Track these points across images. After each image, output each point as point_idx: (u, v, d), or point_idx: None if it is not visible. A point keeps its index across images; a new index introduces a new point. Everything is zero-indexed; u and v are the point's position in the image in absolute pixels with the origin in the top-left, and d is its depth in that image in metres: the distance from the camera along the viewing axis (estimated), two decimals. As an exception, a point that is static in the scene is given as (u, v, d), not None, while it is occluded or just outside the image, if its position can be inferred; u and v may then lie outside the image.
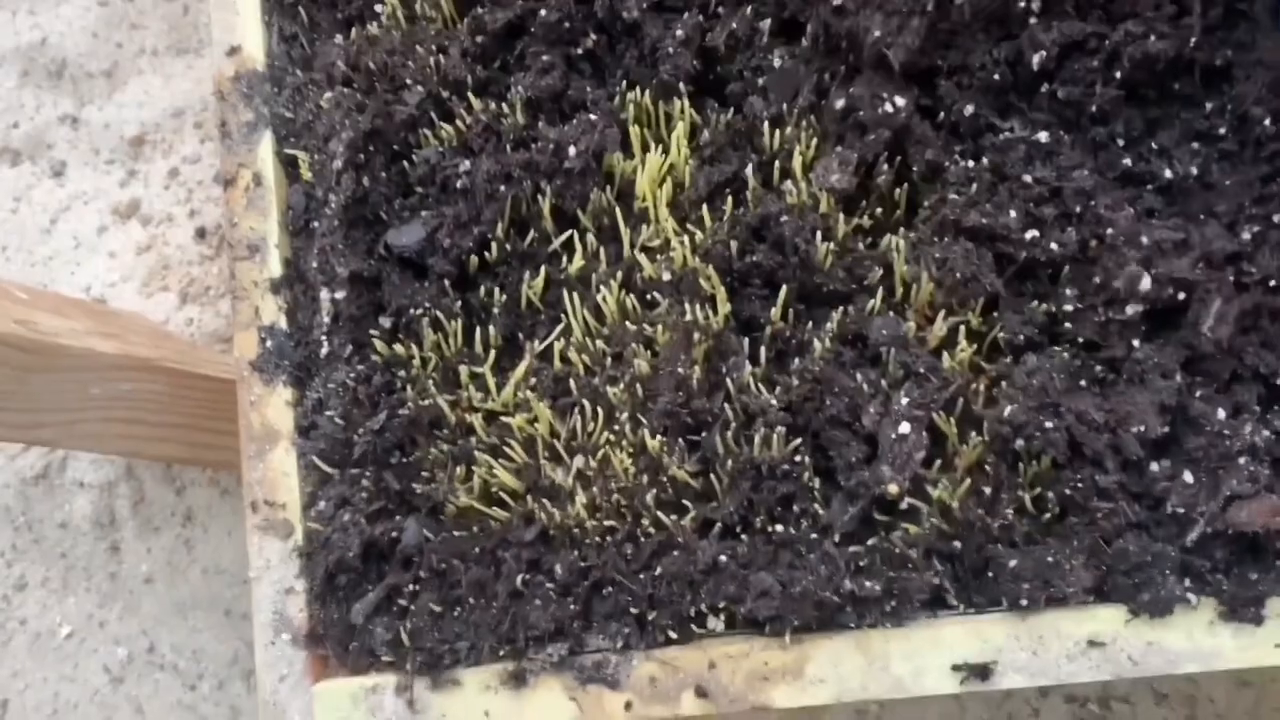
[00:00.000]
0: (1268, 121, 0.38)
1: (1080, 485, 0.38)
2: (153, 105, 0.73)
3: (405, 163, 0.46)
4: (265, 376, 0.47)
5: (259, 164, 0.48)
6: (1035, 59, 0.38)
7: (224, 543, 0.67)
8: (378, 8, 0.47)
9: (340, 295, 0.46)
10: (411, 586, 0.44)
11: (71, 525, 0.70)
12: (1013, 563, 0.39)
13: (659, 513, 0.41)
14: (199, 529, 0.68)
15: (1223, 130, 0.38)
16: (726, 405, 0.42)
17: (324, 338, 0.46)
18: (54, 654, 0.71)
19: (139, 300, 0.69)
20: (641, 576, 0.41)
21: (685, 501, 0.42)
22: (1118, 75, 0.37)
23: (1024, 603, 0.39)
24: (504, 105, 0.44)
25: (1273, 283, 0.37)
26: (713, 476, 0.42)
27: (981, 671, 0.39)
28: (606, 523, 0.42)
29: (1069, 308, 0.39)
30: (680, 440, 0.42)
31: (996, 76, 0.39)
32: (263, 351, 0.47)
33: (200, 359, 0.60)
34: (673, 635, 0.41)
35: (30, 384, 0.51)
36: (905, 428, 0.39)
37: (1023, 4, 0.38)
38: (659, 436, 0.42)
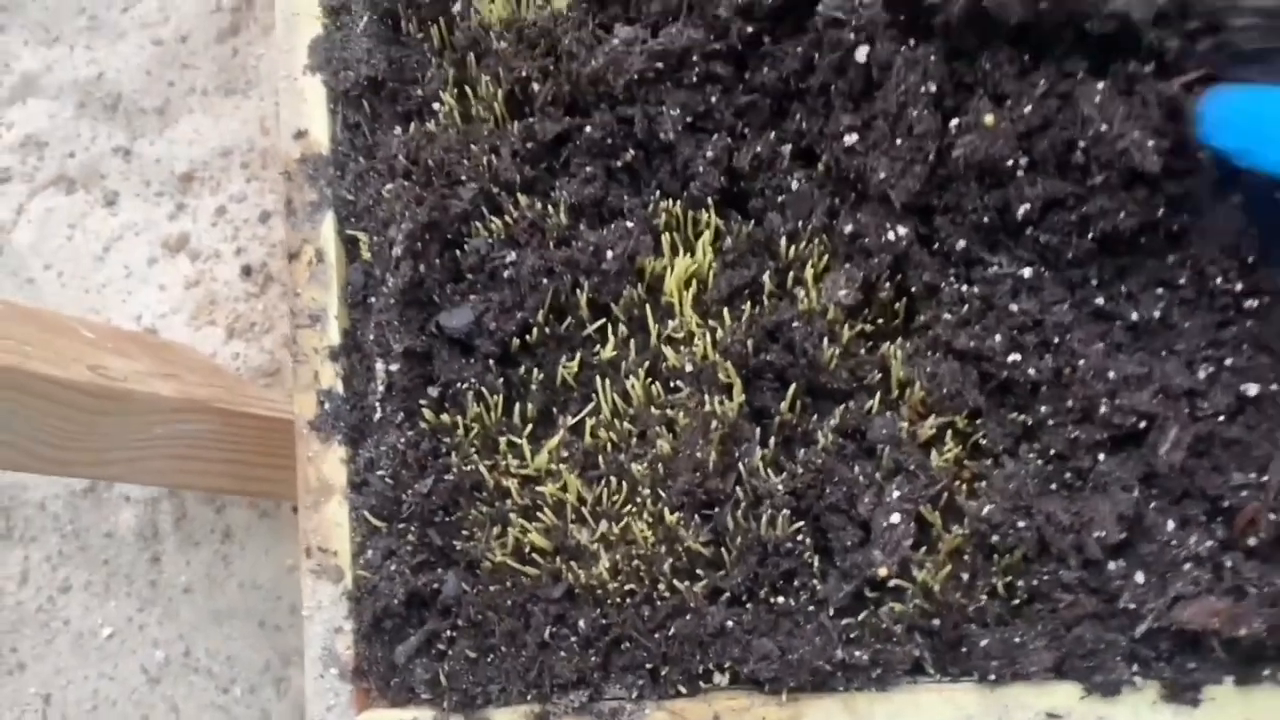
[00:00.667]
0: (1219, 279, 0.43)
1: (1046, 577, 0.44)
2: (202, 143, 0.78)
3: (458, 251, 0.51)
4: (322, 435, 0.52)
5: (322, 241, 0.53)
6: (1021, 209, 0.43)
7: (260, 560, 0.73)
8: (435, 105, 0.52)
9: (394, 367, 0.51)
10: (449, 633, 0.49)
11: (116, 536, 0.75)
12: (984, 641, 0.44)
13: (674, 579, 0.47)
14: (237, 546, 0.73)
15: (1183, 280, 0.43)
16: (738, 486, 0.47)
17: (377, 404, 0.51)
18: (95, 653, 0.76)
19: (188, 333, 0.74)
20: (656, 635, 0.47)
21: (698, 570, 0.47)
22: (1090, 234, 0.43)
23: (992, 676, 0.44)
24: (549, 206, 0.49)
25: (1222, 417, 0.42)
26: (723, 549, 0.47)
27: (953, 734, 0.44)
28: (626, 585, 0.47)
29: (1044, 423, 0.44)
30: (695, 515, 0.47)
31: (986, 219, 0.44)
32: (321, 413, 0.52)
33: (248, 397, 0.65)
34: (682, 689, 0.47)
35: (100, 426, 0.56)
36: (896, 517, 0.45)
37: (1011, 161, 0.43)
38: (676, 511, 0.47)
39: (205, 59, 0.79)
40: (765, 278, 0.48)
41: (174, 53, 0.79)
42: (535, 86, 0.50)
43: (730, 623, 0.46)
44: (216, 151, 0.77)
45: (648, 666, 0.47)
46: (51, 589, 0.77)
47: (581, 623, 0.47)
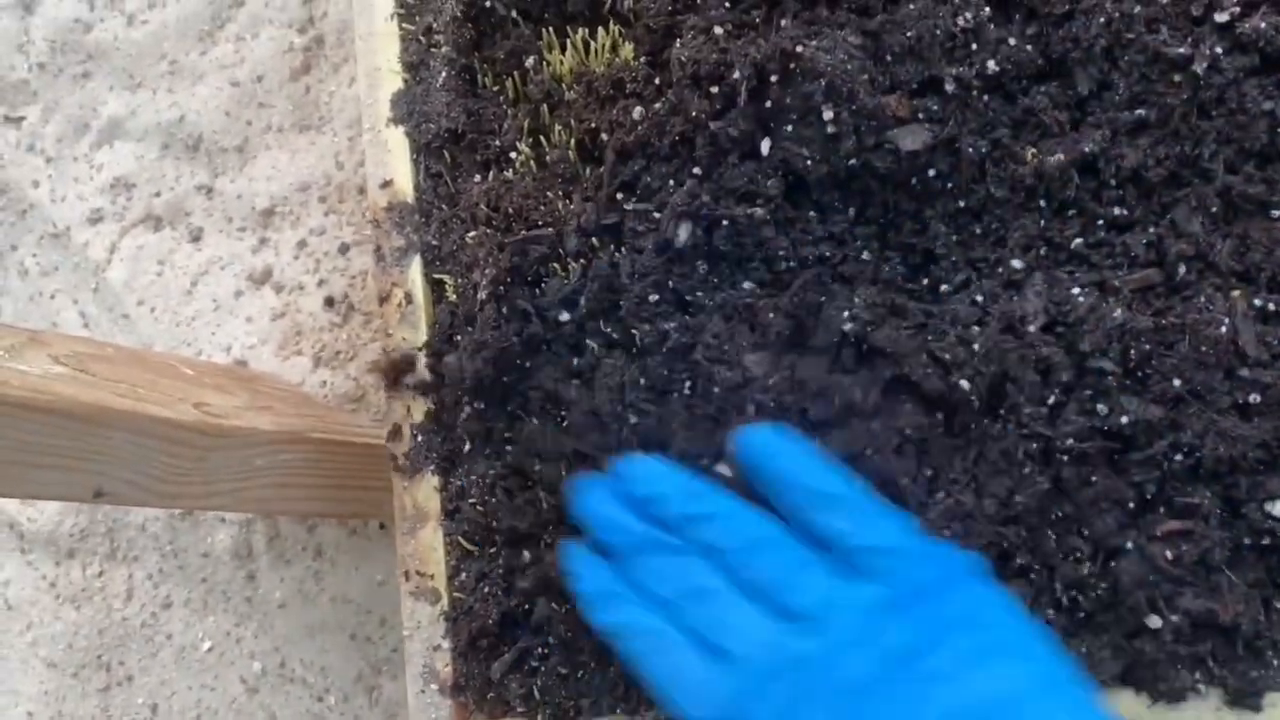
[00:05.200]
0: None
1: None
2: (280, 179, 0.81)
3: (537, 290, 0.54)
4: (415, 466, 0.56)
5: (410, 284, 0.56)
6: None
7: (351, 576, 0.77)
8: (512, 154, 0.55)
9: (480, 403, 0.54)
10: (541, 650, 0.53)
11: (213, 555, 0.79)
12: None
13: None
14: (328, 563, 0.77)
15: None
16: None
17: (466, 437, 0.55)
18: (196, 665, 0.81)
19: (276, 362, 0.78)
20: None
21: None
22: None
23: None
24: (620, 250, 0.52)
25: None
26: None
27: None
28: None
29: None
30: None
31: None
32: (414, 445, 0.56)
33: (338, 424, 0.69)
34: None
35: (207, 461, 0.60)
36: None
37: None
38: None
39: (280, 97, 0.83)
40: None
41: (250, 93, 0.83)
42: (604, 136, 0.52)
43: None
44: (295, 187, 0.81)
45: (730, 680, 0.50)
46: (154, 605, 0.82)
47: (666, 640, 0.50)
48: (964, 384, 0.44)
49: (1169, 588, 0.44)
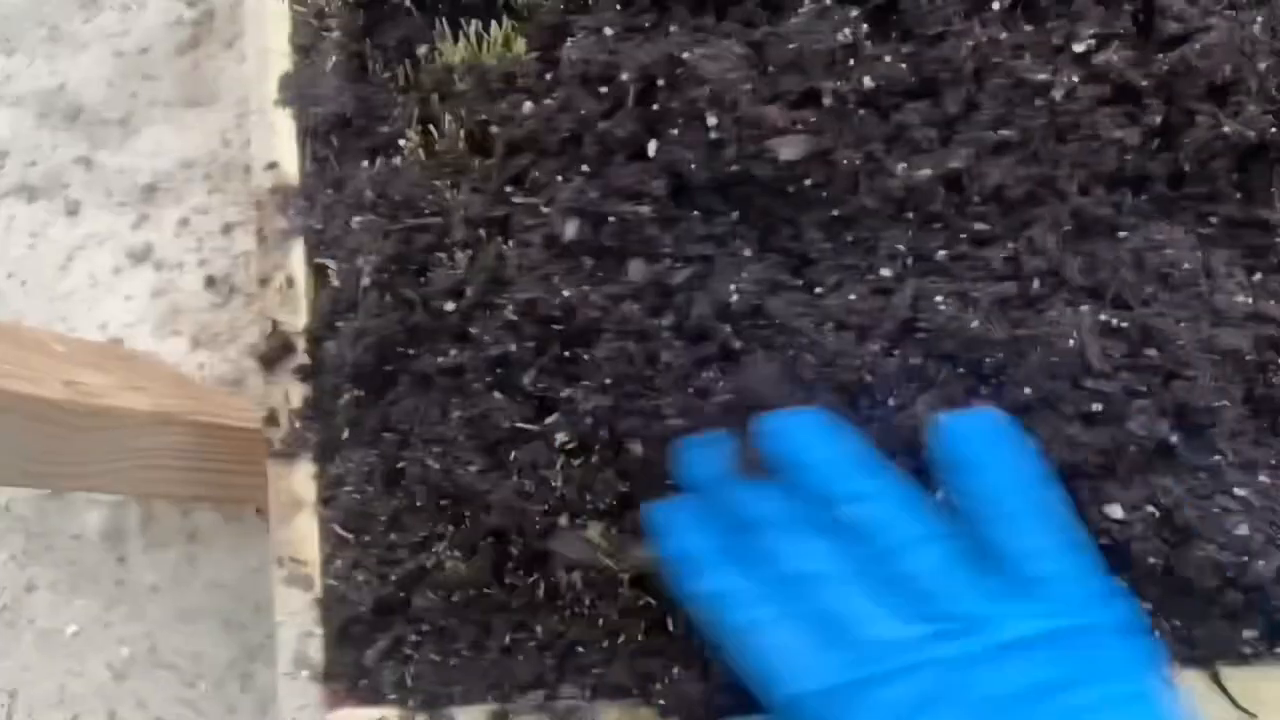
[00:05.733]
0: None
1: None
2: (164, 154, 0.80)
3: (421, 278, 0.54)
4: (292, 452, 0.55)
5: (291, 268, 0.56)
6: None
7: (226, 561, 0.76)
8: (401, 142, 0.55)
9: (359, 390, 0.54)
10: (415, 638, 0.53)
11: (83, 537, 0.78)
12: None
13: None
14: (203, 547, 0.76)
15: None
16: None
17: (345, 424, 0.54)
18: (61, 650, 0.79)
19: (153, 343, 0.76)
20: (607, 642, 0.51)
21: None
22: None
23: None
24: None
25: None
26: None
27: None
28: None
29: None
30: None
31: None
32: (291, 431, 0.55)
33: (216, 406, 0.68)
34: (634, 692, 0.51)
35: (78, 442, 0.59)
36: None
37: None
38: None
39: (166, 71, 0.81)
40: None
41: (135, 64, 0.81)
42: (494, 129, 0.53)
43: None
44: (179, 163, 0.79)
45: (600, 670, 0.51)
46: (17, 588, 0.80)
47: (539, 629, 0.51)
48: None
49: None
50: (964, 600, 0.39)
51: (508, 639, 0.52)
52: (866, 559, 0.41)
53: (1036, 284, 0.47)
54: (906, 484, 0.42)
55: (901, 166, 0.47)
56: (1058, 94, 0.46)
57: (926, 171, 0.47)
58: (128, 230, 0.79)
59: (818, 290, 0.49)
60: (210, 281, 0.77)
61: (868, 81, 0.47)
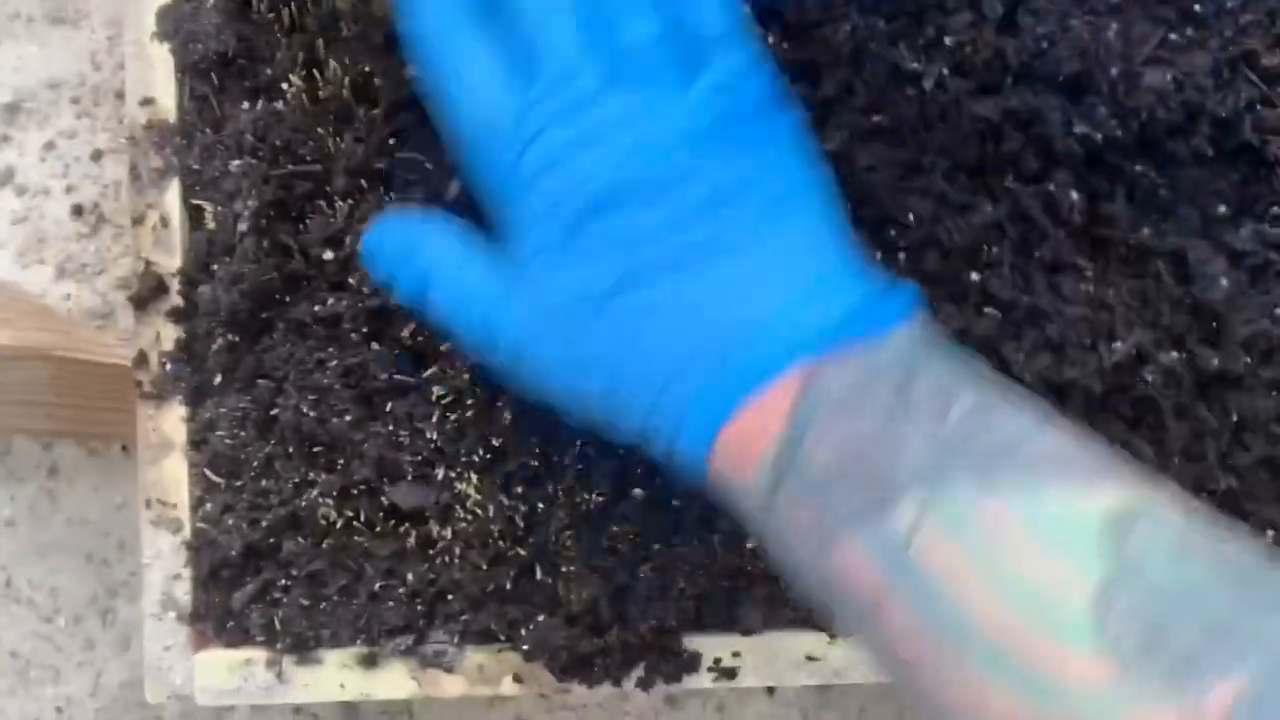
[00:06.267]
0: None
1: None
2: (27, 73, 0.76)
3: (300, 225, 0.54)
4: (162, 394, 0.55)
5: (166, 207, 0.55)
6: None
7: (89, 497, 0.74)
8: (284, 85, 0.54)
9: (234, 336, 0.54)
10: (284, 583, 0.54)
11: (-67, 469, 0.75)
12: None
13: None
14: (64, 482, 0.74)
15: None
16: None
17: (217, 369, 0.54)
18: (-92, 583, 0.76)
19: (15, 271, 0.73)
20: (475, 590, 0.52)
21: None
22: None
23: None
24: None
25: None
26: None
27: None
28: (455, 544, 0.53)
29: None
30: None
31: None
32: (162, 373, 0.55)
33: (82, 342, 0.66)
34: (501, 638, 0.53)
35: (-69, 373, 0.57)
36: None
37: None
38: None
39: (32, -16, 0.77)
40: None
41: (-3, -25, 0.76)
42: (378, 81, 0.53)
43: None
44: (44, 83, 0.76)
45: (467, 617, 0.53)
46: None
47: (410, 576, 0.53)
48: None
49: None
50: (646, 36, 0.39)
51: (378, 585, 0.53)
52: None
53: (901, 259, 0.49)
54: None
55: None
56: (928, 84, 0.48)
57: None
58: (-13, 150, 0.76)
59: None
60: (78, 210, 0.74)
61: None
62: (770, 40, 0.48)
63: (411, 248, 0.41)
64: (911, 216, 0.49)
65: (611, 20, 0.39)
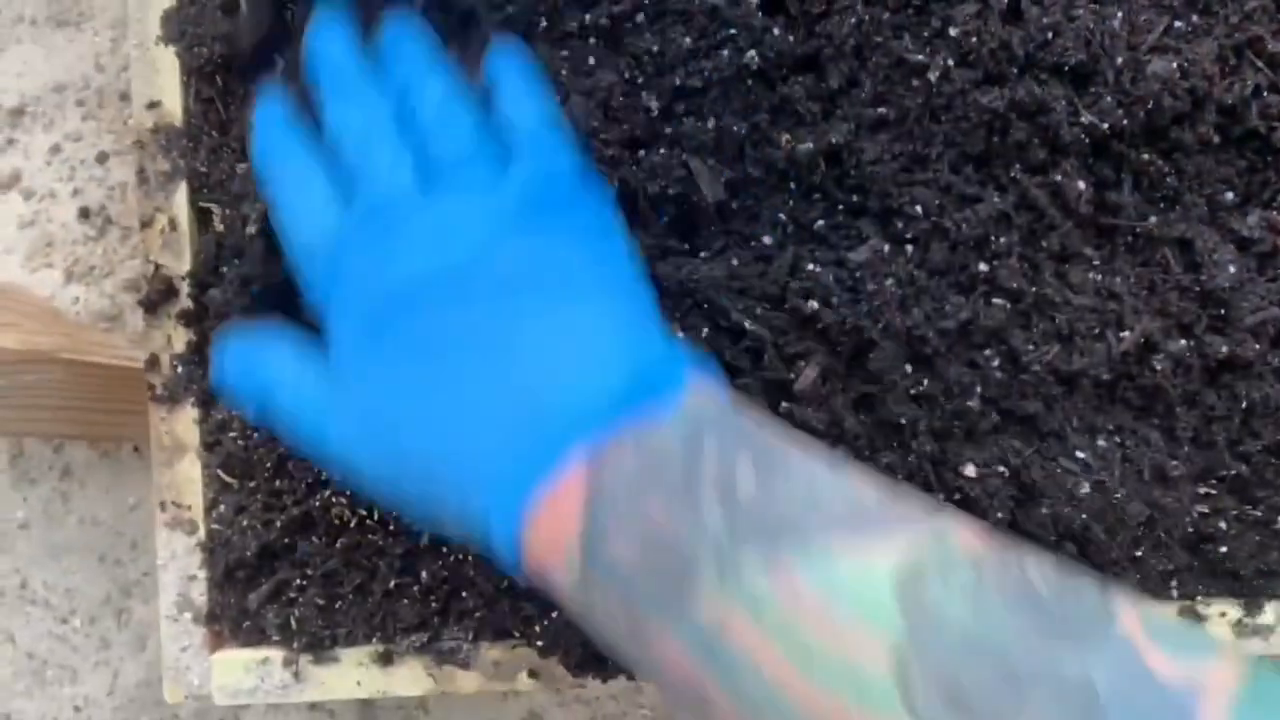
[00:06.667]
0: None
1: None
2: (33, 76, 0.76)
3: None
4: (175, 397, 0.55)
5: (174, 210, 0.55)
6: None
7: (101, 497, 0.74)
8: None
9: (247, 336, 0.54)
10: (300, 582, 0.54)
11: (-54, 472, 0.75)
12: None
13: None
14: (76, 484, 0.75)
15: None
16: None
17: (230, 370, 0.54)
18: (-76, 586, 0.77)
19: (23, 275, 0.74)
20: (489, 587, 0.53)
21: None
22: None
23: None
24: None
25: None
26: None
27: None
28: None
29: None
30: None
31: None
32: (174, 376, 0.55)
33: (91, 344, 0.66)
34: (515, 634, 0.53)
35: (-57, 379, 0.57)
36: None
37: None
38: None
39: (34, -13, 0.77)
40: None
41: (-1, -22, 0.77)
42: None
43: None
44: (49, 87, 0.76)
45: (482, 613, 0.53)
46: (-124, 523, 0.77)
47: (424, 574, 0.53)
48: None
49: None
50: (459, 139, 0.41)
51: (392, 583, 0.53)
52: (401, 109, 0.42)
53: (910, 250, 0.49)
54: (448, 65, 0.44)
55: (786, 138, 0.49)
56: (933, 75, 0.48)
57: (809, 145, 0.49)
58: (-7, 154, 0.76)
59: (702, 254, 0.51)
60: (85, 213, 0.75)
61: (753, 55, 0.48)
62: (775, 32, 0.48)
63: (251, 366, 0.42)
64: (919, 208, 0.49)
65: (425, 131, 0.41)
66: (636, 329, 0.39)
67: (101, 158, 0.75)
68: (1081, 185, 0.48)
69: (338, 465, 0.40)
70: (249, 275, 0.53)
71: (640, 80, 0.49)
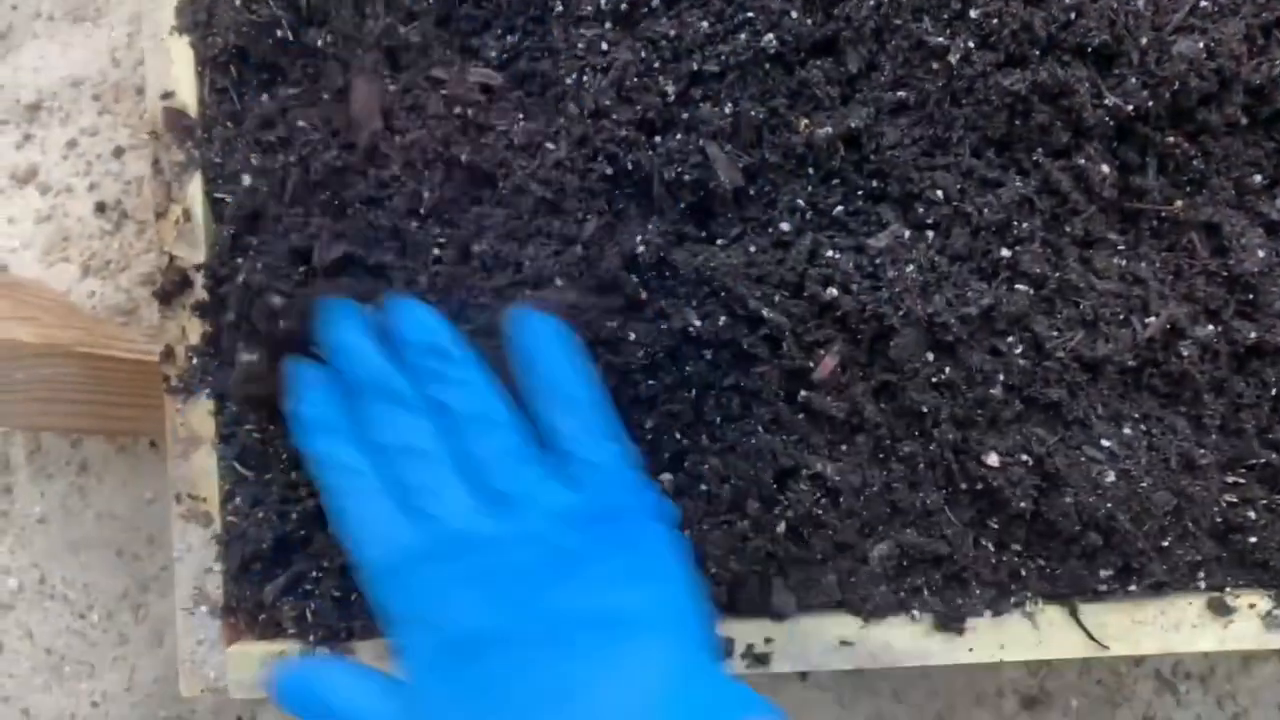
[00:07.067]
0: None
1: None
2: (49, 72, 0.76)
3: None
4: (190, 388, 0.55)
5: (189, 201, 0.55)
6: None
7: (118, 492, 0.74)
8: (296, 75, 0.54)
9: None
10: (316, 575, 0.54)
11: (-35, 468, 0.75)
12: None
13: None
14: (93, 478, 0.75)
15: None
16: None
17: (245, 361, 0.54)
18: (-56, 581, 0.77)
19: (40, 269, 0.74)
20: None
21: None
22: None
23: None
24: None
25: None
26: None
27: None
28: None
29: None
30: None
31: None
32: (189, 367, 0.55)
33: (107, 338, 0.66)
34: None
35: (-40, 372, 0.57)
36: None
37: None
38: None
39: (50, -17, 0.77)
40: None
41: (15, -26, 0.77)
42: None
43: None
44: (66, 81, 0.76)
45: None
46: (-104, 519, 0.77)
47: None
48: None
49: (897, 523, 0.50)
50: (520, 479, 0.43)
51: (408, 575, 0.52)
52: (450, 435, 0.44)
53: (930, 236, 0.49)
54: (488, 376, 0.45)
55: (804, 123, 0.48)
56: (954, 58, 0.47)
57: (827, 129, 0.48)
58: (11, 150, 0.76)
59: (719, 241, 0.50)
60: (101, 207, 0.74)
61: (771, 38, 0.48)
62: (793, 15, 0.48)
63: (315, 693, 0.44)
64: (939, 193, 0.48)
65: (486, 465, 0.43)
66: (694, 673, 0.40)
67: (118, 152, 0.75)
68: (1105, 168, 0.47)
69: None
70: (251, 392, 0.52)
71: (657, 65, 0.48)
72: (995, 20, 0.47)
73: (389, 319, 0.46)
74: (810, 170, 0.49)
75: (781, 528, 0.50)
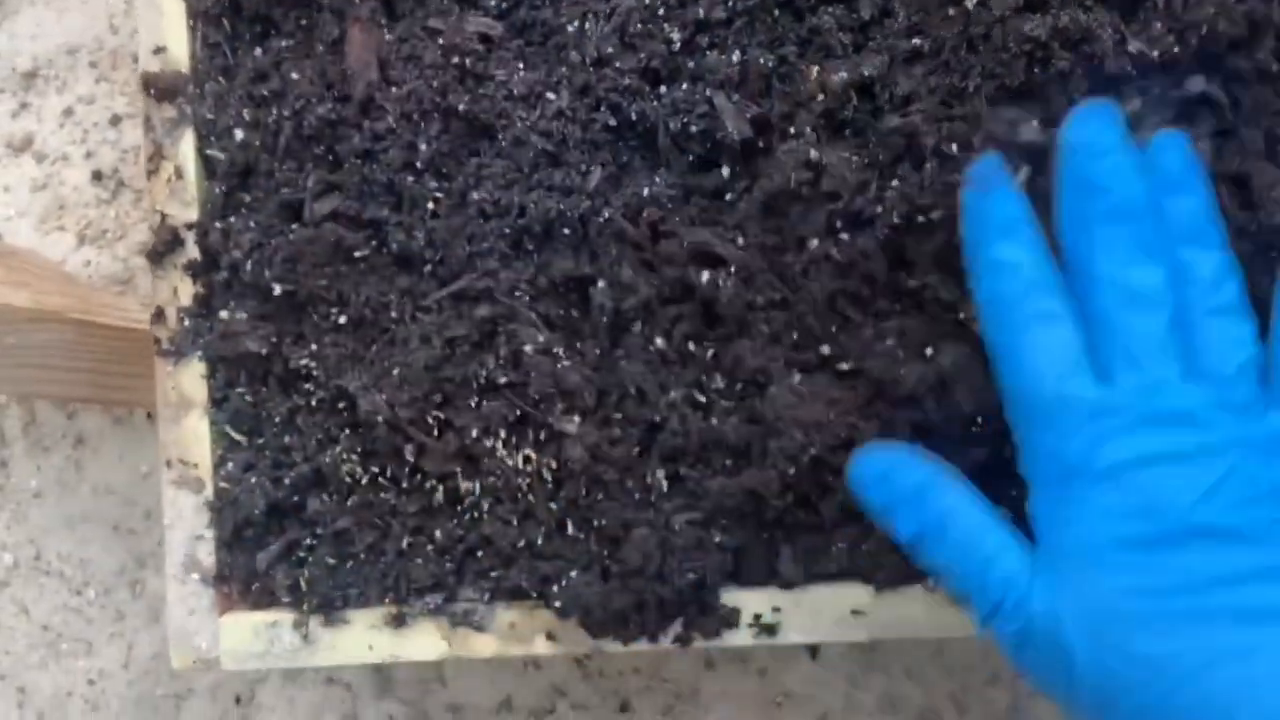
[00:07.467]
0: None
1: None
2: (45, 39, 0.75)
3: (319, 174, 0.52)
4: (181, 350, 0.53)
5: (180, 158, 0.53)
6: None
7: (115, 465, 0.73)
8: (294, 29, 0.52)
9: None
10: (310, 541, 0.52)
11: (-40, 442, 0.74)
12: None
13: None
14: (89, 451, 0.73)
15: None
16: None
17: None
18: (-62, 557, 0.76)
19: (36, 238, 0.72)
20: (506, 546, 0.51)
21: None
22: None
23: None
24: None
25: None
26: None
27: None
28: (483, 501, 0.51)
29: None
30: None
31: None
32: (180, 328, 0.53)
33: (102, 306, 0.65)
34: (533, 594, 0.51)
35: (-51, 336, 0.56)
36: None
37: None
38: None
39: (46, -52, 0.75)
40: None
41: (12, -60, 0.75)
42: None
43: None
44: (62, 49, 0.75)
45: (497, 574, 0.51)
46: (-110, 494, 0.76)
47: (438, 533, 0.51)
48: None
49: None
50: (1248, 380, 0.38)
51: (405, 543, 0.51)
52: (1180, 286, 0.39)
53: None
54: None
55: (815, 70, 0.47)
56: (970, 3, 0.45)
57: (841, 75, 0.46)
58: (7, 119, 0.74)
59: (728, 196, 0.48)
60: (97, 176, 0.73)
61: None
62: None
63: (923, 493, 0.41)
64: (954, 146, 0.46)
65: (1197, 336, 0.38)
66: None
67: (114, 120, 0.74)
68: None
69: (1011, 627, 0.39)
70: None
71: (661, 11, 0.47)
72: (1014, -38, 0.45)
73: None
74: (822, 121, 0.47)
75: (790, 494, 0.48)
